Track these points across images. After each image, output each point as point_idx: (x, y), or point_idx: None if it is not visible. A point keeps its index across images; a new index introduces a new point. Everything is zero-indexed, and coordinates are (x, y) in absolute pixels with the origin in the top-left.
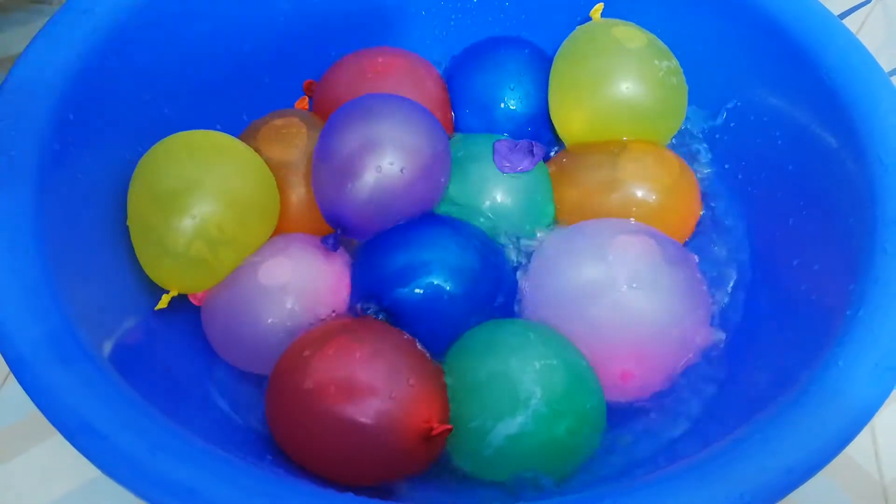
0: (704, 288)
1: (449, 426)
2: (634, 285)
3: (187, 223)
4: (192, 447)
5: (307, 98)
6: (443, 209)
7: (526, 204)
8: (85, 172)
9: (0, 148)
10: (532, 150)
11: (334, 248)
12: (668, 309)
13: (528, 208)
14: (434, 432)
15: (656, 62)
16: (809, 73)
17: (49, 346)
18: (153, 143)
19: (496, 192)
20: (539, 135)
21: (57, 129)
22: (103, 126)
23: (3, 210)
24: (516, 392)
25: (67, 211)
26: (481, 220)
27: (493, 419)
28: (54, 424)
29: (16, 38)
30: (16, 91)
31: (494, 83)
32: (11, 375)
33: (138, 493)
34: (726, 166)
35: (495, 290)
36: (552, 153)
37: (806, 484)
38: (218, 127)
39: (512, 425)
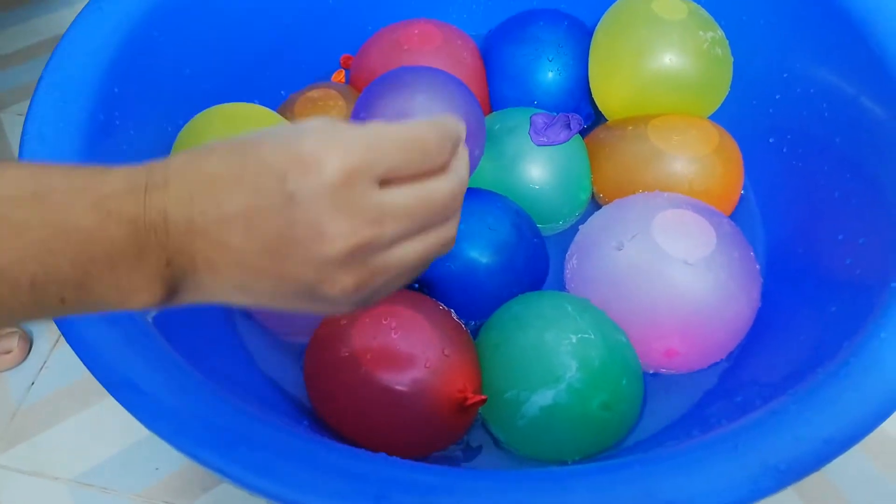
0: (757, 267)
1: (483, 396)
2: (689, 262)
3: None
4: (231, 406)
5: (343, 71)
6: (477, 182)
7: (562, 177)
8: (128, 143)
9: (49, 119)
10: (569, 124)
11: None
12: (721, 289)
13: (565, 182)
14: (468, 402)
15: (700, 33)
16: (858, 42)
17: None
18: (193, 116)
19: (532, 165)
20: (578, 108)
21: (102, 102)
22: (146, 99)
23: None
24: (552, 365)
25: None
26: (516, 193)
27: (528, 390)
28: (98, 379)
29: (65, 18)
30: (63, 65)
31: (532, 55)
32: (61, 341)
33: (180, 447)
34: (771, 140)
35: (531, 264)
36: (592, 127)
37: None
38: (256, 101)
39: (546, 397)
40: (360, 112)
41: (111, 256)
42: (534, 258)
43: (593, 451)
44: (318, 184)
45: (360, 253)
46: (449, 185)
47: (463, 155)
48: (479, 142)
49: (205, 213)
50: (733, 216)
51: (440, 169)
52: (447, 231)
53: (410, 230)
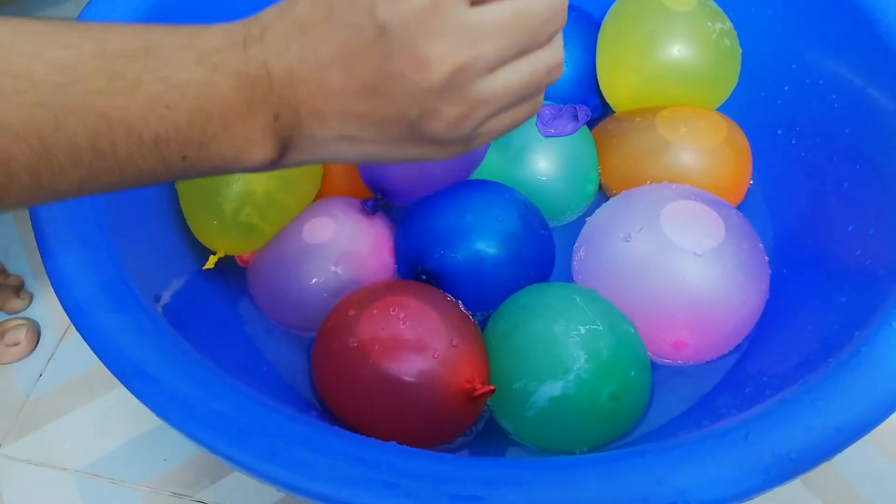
0: (766, 259)
1: (491, 387)
2: (698, 253)
3: (235, 188)
4: (241, 395)
5: None
6: (484, 174)
7: (570, 169)
8: None
9: None
10: (576, 115)
11: (373, 212)
12: (730, 279)
13: (572, 173)
14: (476, 393)
15: (709, 24)
16: (867, 33)
17: (105, 295)
18: None
19: (539, 157)
20: (586, 100)
21: None
22: None
23: None
24: (560, 356)
25: None
26: (523, 185)
27: (537, 382)
28: (110, 368)
29: (71, 9)
30: None
31: None
32: (68, 333)
33: (190, 435)
34: (779, 132)
35: (538, 256)
36: (599, 119)
37: None
38: None
39: (554, 388)
40: None
41: (223, 111)
42: (541, 250)
43: (602, 441)
44: (407, 9)
45: (460, 78)
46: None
47: (560, 21)
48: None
49: (303, 59)
50: (742, 208)
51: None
52: (552, 53)
53: (509, 50)
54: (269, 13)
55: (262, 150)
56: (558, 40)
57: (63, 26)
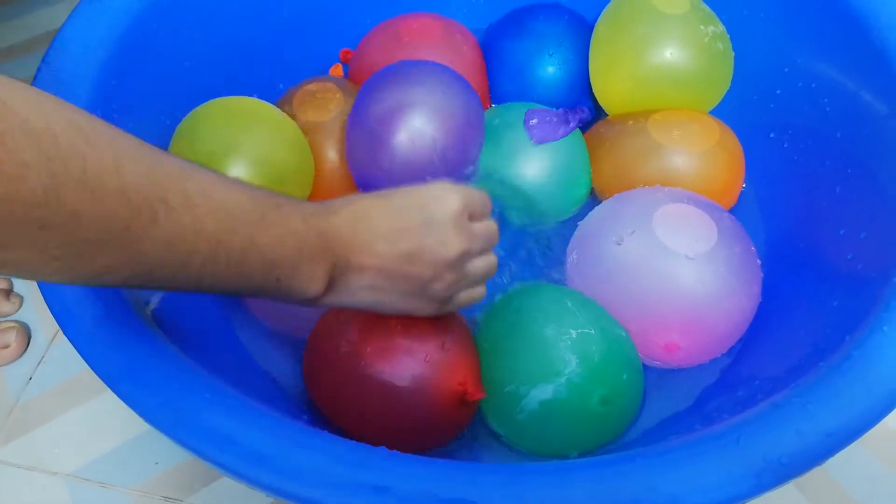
0: (758, 262)
1: (482, 393)
2: (691, 256)
3: None
4: (231, 399)
5: (340, 65)
6: (477, 177)
7: (562, 172)
8: None
9: None
10: (567, 119)
11: None
12: (722, 283)
13: (564, 176)
14: (468, 397)
15: (701, 27)
16: (859, 37)
17: (93, 300)
18: (192, 109)
19: (531, 160)
20: (579, 103)
21: (101, 96)
22: (145, 92)
23: None
24: (551, 359)
25: None
26: (515, 188)
27: (528, 385)
28: (98, 374)
29: (62, 13)
30: (60, 59)
31: (533, 49)
32: (59, 336)
33: (179, 440)
34: (771, 135)
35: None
36: (592, 122)
37: None
38: (255, 94)
39: (545, 391)
40: (361, 104)
41: (309, 253)
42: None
43: (593, 445)
44: (446, 211)
45: (462, 258)
46: (494, 227)
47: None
48: (479, 136)
49: (366, 230)
50: (734, 211)
51: (487, 216)
52: (492, 258)
53: (482, 248)
54: (342, 200)
55: (319, 285)
56: (492, 254)
57: (235, 180)
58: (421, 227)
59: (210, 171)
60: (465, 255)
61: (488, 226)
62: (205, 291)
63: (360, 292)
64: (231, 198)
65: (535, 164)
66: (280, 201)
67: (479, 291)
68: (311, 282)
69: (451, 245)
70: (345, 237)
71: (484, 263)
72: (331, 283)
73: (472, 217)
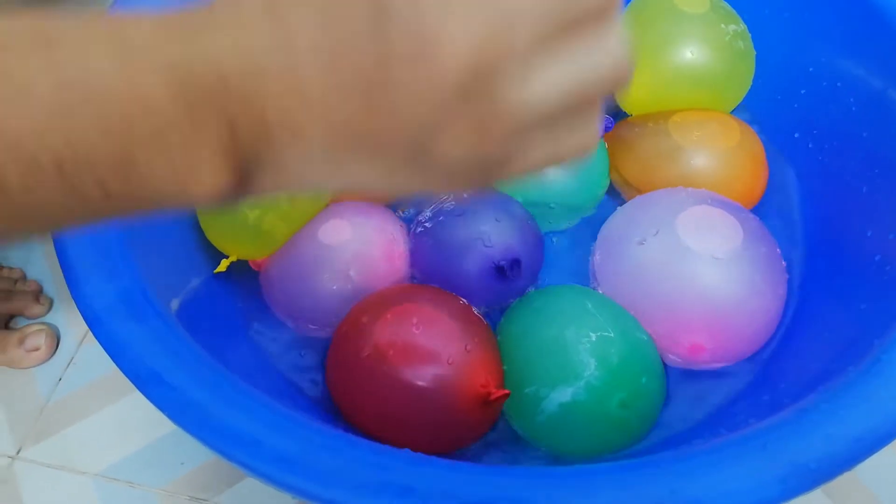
0: (784, 264)
1: (506, 391)
2: (717, 257)
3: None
4: (256, 401)
5: None
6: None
7: (579, 172)
8: None
9: None
10: None
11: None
12: (748, 283)
13: (583, 178)
14: (492, 397)
15: (722, 26)
16: (886, 35)
17: (122, 303)
18: None
19: None
20: None
21: None
22: None
23: None
24: (571, 362)
25: None
26: (533, 187)
27: (547, 387)
28: (127, 375)
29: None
30: None
31: None
32: (87, 337)
33: (206, 441)
34: (796, 135)
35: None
36: (611, 123)
37: None
38: None
39: (565, 394)
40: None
41: (152, 123)
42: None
43: (612, 449)
44: None
45: (487, 72)
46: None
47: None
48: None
49: (269, 49)
50: (757, 212)
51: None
52: (605, 48)
53: (552, 34)
54: None
55: (213, 174)
56: (617, 31)
57: None
58: (373, 20)
59: None
60: (494, 63)
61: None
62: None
63: (313, 169)
64: None
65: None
66: (57, 32)
67: (573, 138)
68: (192, 174)
69: (443, 44)
70: (234, 71)
71: (565, 71)
72: (243, 166)
73: None
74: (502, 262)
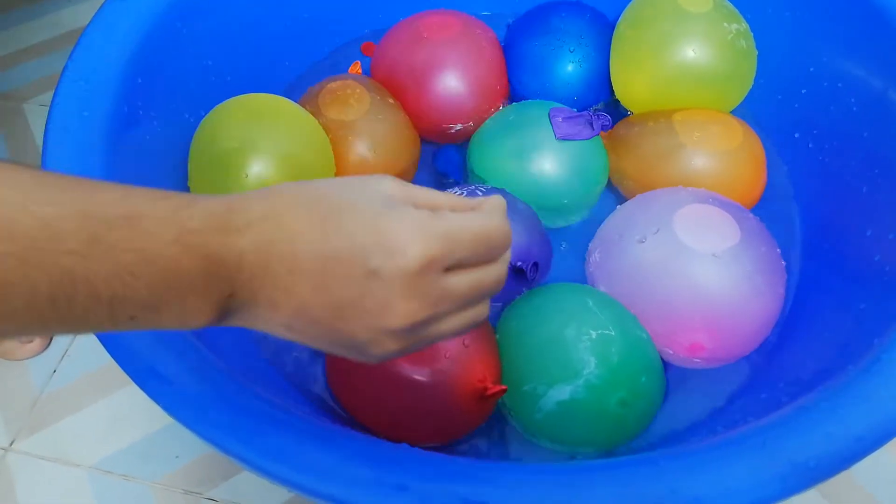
0: (783, 263)
1: (503, 387)
2: (717, 255)
3: (243, 183)
4: (251, 395)
5: (359, 63)
6: (494, 172)
7: (578, 171)
8: (151, 133)
9: (73, 110)
10: (591, 123)
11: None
12: (748, 282)
13: (581, 176)
14: (488, 392)
15: (724, 24)
16: (887, 36)
17: None
18: (215, 106)
19: (548, 158)
20: (598, 100)
21: (126, 93)
22: (169, 89)
23: (77, 170)
24: (570, 360)
25: (134, 170)
26: (532, 185)
27: (546, 385)
28: (123, 368)
29: (88, 10)
30: (87, 57)
31: (554, 47)
32: None
33: (202, 435)
34: (796, 135)
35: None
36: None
37: None
38: (276, 92)
39: (563, 392)
40: None
41: (183, 286)
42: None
43: (610, 446)
44: (399, 267)
45: (414, 328)
46: (497, 271)
47: (510, 245)
48: (545, 254)
49: (282, 261)
50: (757, 212)
51: (492, 260)
52: (482, 308)
53: (460, 307)
54: (256, 208)
55: (203, 317)
56: (486, 303)
57: (54, 182)
58: (360, 280)
59: (16, 173)
60: (419, 325)
61: (480, 278)
62: (23, 335)
63: (274, 328)
64: (31, 216)
65: (553, 162)
66: (135, 210)
67: (456, 324)
68: (190, 316)
69: (397, 313)
70: (251, 269)
71: (461, 321)
72: (225, 313)
73: (453, 268)
74: (521, 264)
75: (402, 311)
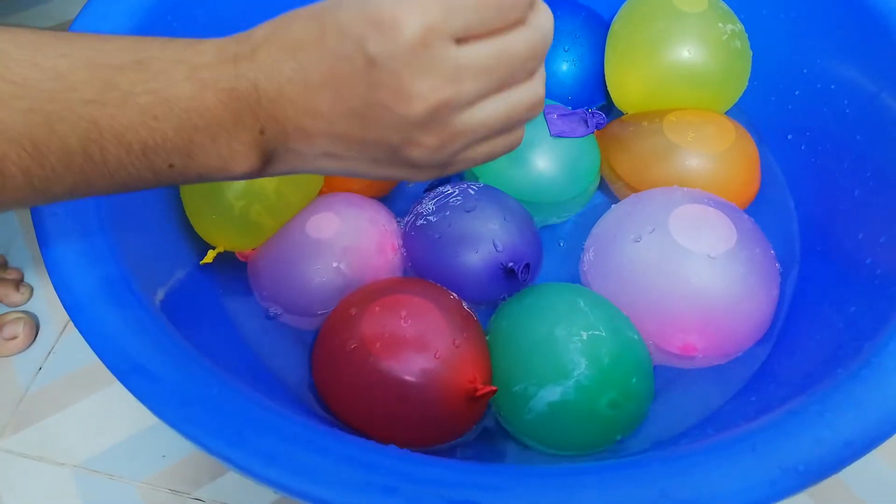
0: (777, 265)
1: (493, 388)
2: (711, 256)
3: (244, 185)
4: (240, 394)
5: None
6: (485, 170)
7: (571, 167)
8: None
9: None
10: (587, 120)
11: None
12: (742, 283)
13: (573, 173)
14: (478, 393)
15: (720, 25)
16: (881, 38)
17: (104, 291)
18: None
19: (541, 154)
20: (592, 100)
21: None
22: None
23: None
24: (561, 361)
25: None
26: (524, 181)
27: (536, 385)
28: (108, 366)
29: (77, 3)
30: None
31: None
32: (68, 327)
33: (188, 435)
34: (789, 137)
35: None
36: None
37: None
38: None
39: (554, 393)
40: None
41: (210, 125)
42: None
43: (600, 448)
44: (396, 45)
45: (441, 112)
46: (526, 38)
47: (542, 7)
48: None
49: (292, 80)
50: (751, 213)
51: (517, 22)
52: (531, 88)
53: (489, 87)
54: (260, 31)
55: (247, 161)
56: (539, 75)
57: (59, 36)
58: (365, 72)
59: (20, 33)
60: (444, 107)
61: (502, 46)
62: (77, 197)
63: (316, 160)
64: (42, 70)
65: (546, 159)
66: (145, 53)
67: (504, 142)
68: (232, 158)
69: (412, 95)
70: (268, 96)
71: (498, 107)
72: (269, 154)
73: (468, 36)
74: (513, 265)
75: (416, 91)
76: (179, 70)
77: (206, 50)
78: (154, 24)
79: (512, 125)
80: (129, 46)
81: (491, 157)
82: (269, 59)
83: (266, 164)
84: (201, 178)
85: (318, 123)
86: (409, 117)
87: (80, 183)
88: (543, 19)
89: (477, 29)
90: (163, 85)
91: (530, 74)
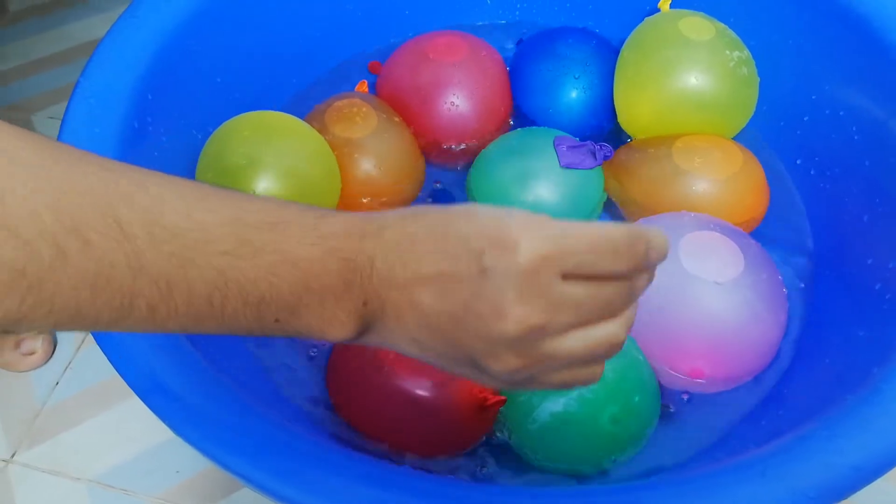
0: (785, 291)
1: (502, 398)
2: (719, 282)
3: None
4: (256, 413)
5: (366, 82)
6: (493, 198)
7: (575, 198)
8: (159, 149)
9: (84, 124)
10: (594, 153)
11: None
12: (750, 309)
13: (578, 203)
14: (488, 402)
15: (727, 52)
16: (889, 65)
17: None
18: (222, 123)
19: (545, 184)
20: (601, 127)
21: (136, 109)
22: (179, 106)
23: None
24: None
25: None
26: (527, 207)
27: (540, 395)
28: (130, 385)
29: (98, 23)
30: (99, 72)
31: (559, 71)
32: (86, 342)
33: (206, 452)
34: (798, 162)
35: None
36: (613, 147)
37: None
38: (283, 110)
39: (557, 404)
40: None
41: (322, 288)
42: None
43: (603, 465)
44: (510, 264)
45: (530, 337)
46: (621, 288)
47: (647, 276)
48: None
49: (406, 266)
50: (759, 239)
51: (624, 275)
52: (616, 329)
53: (579, 321)
54: (391, 215)
55: (344, 328)
56: (625, 318)
57: (211, 193)
58: (474, 281)
59: (180, 185)
60: (534, 333)
61: (601, 290)
62: (181, 332)
63: (403, 342)
64: (191, 221)
65: (549, 188)
66: (282, 217)
67: (585, 374)
68: (330, 323)
69: (509, 316)
70: (378, 274)
71: (584, 342)
72: (365, 325)
73: (571, 273)
74: None
75: (514, 312)
76: (310, 236)
77: (338, 221)
78: (175, 49)
79: (590, 360)
80: (271, 210)
81: (564, 387)
82: (391, 241)
83: (360, 334)
84: (298, 335)
85: (415, 312)
86: (500, 333)
87: (192, 324)
88: (643, 282)
89: (585, 270)
90: (291, 247)
91: (616, 315)
